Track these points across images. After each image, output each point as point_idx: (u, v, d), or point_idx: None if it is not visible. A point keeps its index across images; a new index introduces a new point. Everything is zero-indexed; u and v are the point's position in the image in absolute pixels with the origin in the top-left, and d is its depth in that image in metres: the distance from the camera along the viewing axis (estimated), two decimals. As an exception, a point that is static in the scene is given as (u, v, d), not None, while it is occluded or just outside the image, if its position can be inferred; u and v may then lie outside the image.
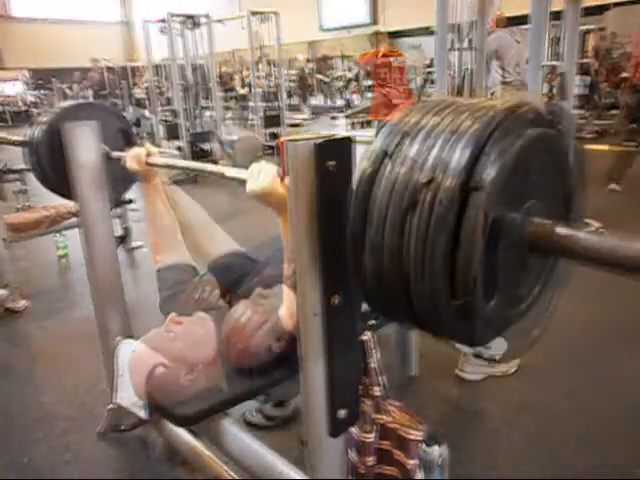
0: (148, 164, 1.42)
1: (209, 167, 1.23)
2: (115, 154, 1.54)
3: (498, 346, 1.90)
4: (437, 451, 1.06)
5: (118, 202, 1.70)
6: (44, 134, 1.56)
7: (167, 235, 1.51)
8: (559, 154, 0.66)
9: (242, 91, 11.89)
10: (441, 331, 0.66)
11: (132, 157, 1.42)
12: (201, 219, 1.57)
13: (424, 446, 1.07)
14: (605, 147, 4.70)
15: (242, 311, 1.20)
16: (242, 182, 1.01)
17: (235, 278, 1.41)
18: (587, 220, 3.46)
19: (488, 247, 0.57)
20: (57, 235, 2.93)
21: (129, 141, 1.70)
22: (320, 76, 12.89)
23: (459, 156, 0.57)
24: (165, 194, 1.52)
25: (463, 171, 0.56)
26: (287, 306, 1.09)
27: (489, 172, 0.56)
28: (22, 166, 3.85)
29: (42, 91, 11.96)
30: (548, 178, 0.65)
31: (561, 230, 0.59)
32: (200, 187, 5.16)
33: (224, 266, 1.45)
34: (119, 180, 1.69)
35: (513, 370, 1.90)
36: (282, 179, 0.95)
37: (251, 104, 10.45)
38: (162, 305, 1.44)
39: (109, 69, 12.90)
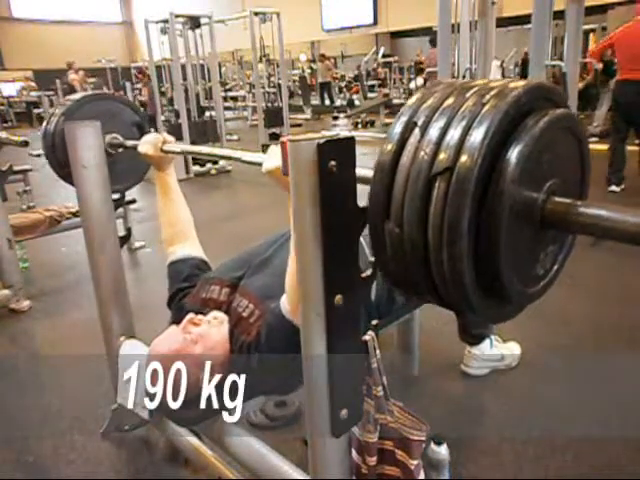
0: (163, 151, 1.41)
1: (226, 152, 1.22)
2: (130, 143, 1.54)
3: (514, 354, 1.93)
4: (446, 449, 1.06)
5: (121, 202, 1.70)
6: (60, 124, 1.57)
7: (180, 227, 1.50)
8: (577, 134, 0.67)
9: (243, 91, 11.91)
10: (462, 307, 0.66)
11: (147, 142, 1.41)
12: (187, 216, 1.55)
13: (432, 445, 1.07)
14: (605, 147, 4.71)
15: (168, 340, 1.19)
16: (258, 165, 1.04)
17: (181, 282, 1.45)
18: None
19: (511, 225, 0.58)
20: (18, 247, 2.86)
21: (143, 133, 1.69)
22: (320, 77, 12.89)
23: (486, 132, 0.58)
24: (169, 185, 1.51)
25: (490, 147, 0.57)
26: (290, 295, 1.08)
27: (515, 149, 0.57)
28: (26, 167, 3.88)
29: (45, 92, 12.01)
30: (567, 157, 0.67)
31: (585, 208, 0.60)
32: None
33: (176, 269, 1.48)
34: (129, 172, 1.70)
35: (516, 363, 1.92)
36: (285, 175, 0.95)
37: (252, 104, 10.50)
38: (171, 299, 1.45)
39: (112, 69, 12.92)
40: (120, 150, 1.59)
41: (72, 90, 10.24)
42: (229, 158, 1.19)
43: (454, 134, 0.60)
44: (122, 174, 1.69)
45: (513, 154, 0.57)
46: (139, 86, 9.59)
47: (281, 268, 1.29)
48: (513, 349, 1.95)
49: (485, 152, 0.57)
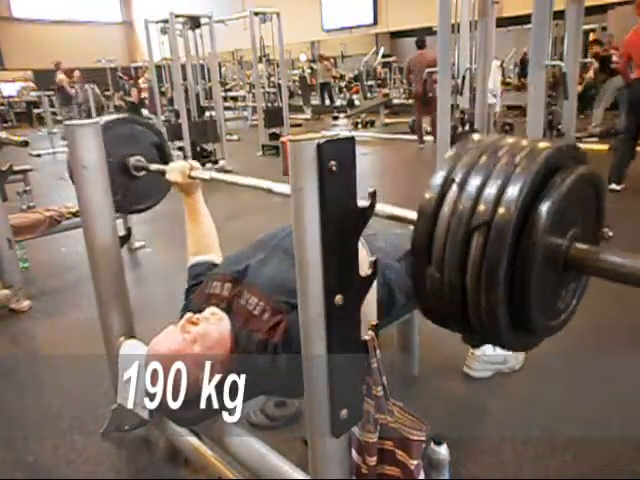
0: (191, 177, 1.46)
1: (256, 182, 1.24)
2: (154, 167, 1.61)
3: (518, 356, 1.92)
4: (446, 449, 1.06)
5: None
6: None
7: (206, 242, 1.55)
8: (597, 187, 0.76)
9: (243, 91, 11.91)
10: (493, 341, 0.76)
11: (175, 170, 1.47)
12: (212, 233, 1.60)
13: (432, 445, 1.07)
14: (605, 147, 4.71)
15: (167, 340, 1.19)
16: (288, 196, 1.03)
17: (191, 280, 1.48)
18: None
19: (541, 269, 0.67)
20: (18, 247, 2.88)
21: (163, 155, 1.76)
22: (320, 77, 12.90)
23: (520, 190, 0.65)
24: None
25: (524, 203, 0.65)
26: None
27: (546, 204, 0.66)
28: (26, 167, 3.88)
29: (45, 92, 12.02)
30: (586, 206, 0.76)
31: (603, 254, 0.69)
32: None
33: (192, 271, 1.52)
34: (151, 191, 1.76)
35: (519, 366, 1.91)
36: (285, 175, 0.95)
37: (252, 104, 10.50)
38: (185, 295, 1.47)
39: (112, 69, 12.92)
40: (142, 173, 1.65)
41: (61, 89, 10.24)
42: (258, 188, 1.19)
43: (490, 192, 0.67)
44: (143, 194, 1.75)
45: (544, 209, 0.66)
46: (126, 87, 9.63)
47: (286, 263, 1.29)
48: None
49: (519, 208, 0.65)
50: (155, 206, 1.83)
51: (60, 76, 11.49)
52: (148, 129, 1.76)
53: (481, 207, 0.67)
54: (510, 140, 0.73)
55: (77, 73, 11.68)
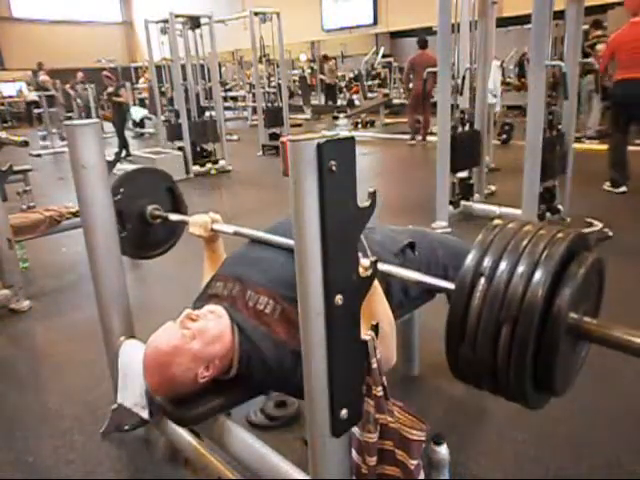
0: (213, 230, 1.53)
1: (281, 240, 1.28)
2: (174, 217, 1.70)
3: None
4: (446, 449, 1.06)
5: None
6: None
7: None
8: (600, 271, 0.88)
9: (243, 91, 11.90)
10: (518, 401, 0.86)
11: (197, 224, 1.54)
12: None
13: (432, 445, 1.07)
14: (605, 147, 4.72)
15: (166, 336, 1.18)
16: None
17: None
18: (590, 220, 3.46)
19: (562, 343, 0.78)
20: (18, 247, 2.88)
21: (177, 201, 1.83)
22: (322, 76, 12.91)
23: (543, 281, 0.76)
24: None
25: (546, 292, 0.75)
26: (385, 345, 1.07)
27: (566, 291, 0.77)
28: (26, 167, 3.88)
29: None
30: (592, 286, 0.87)
31: (609, 330, 0.81)
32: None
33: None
34: (165, 238, 1.85)
35: None
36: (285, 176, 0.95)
37: (252, 104, 10.50)
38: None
39: (112, 69, 12.91)
40: (159, 221, 1.72)
41: (45, 90, 10.20)
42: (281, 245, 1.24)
43: (516, 286, 0.77)
44: (159, 240, 1.83)
45: (564, 298, 0.76)
46: (111, 89, 9.53)
47: (288, 257, 1.29)
48: None
49: (542, 302, 0.75)
50: (170, 249, 1.89)
51: (42, 77, 11.45)
52: (158, 175, 1.83)
53: (508, 300, 0.76)
54: (531, 229, 0.84)
55: (80, 75, 11.66)
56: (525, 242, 0.80)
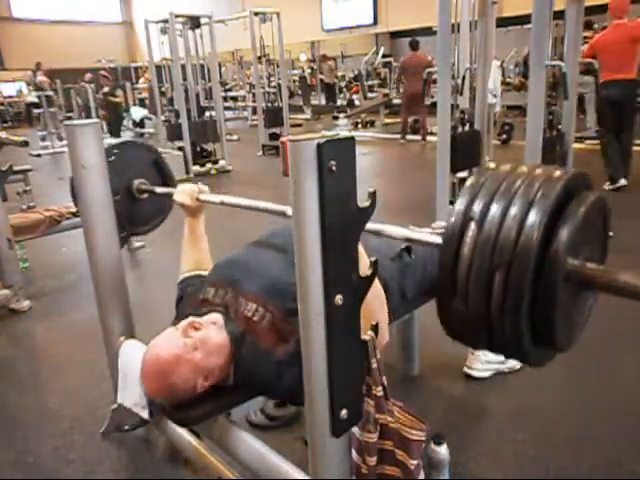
0: (199, 200, 1.48)
1: (269, 206, 1.23)
2: (160, 189, 1.64)
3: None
4: (446, 449, 1.06)
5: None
6: None
7: (199, 265, 1.53)
8: (604, 211, 0.81)
9: (243, 91, 11.90)
10: (517, 357, 0.81)
11: (183, 193, 1.49)
12: (207, 256, 1.59)
13: (432, 445, 1.07)
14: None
15: (167, 343, 1.17)
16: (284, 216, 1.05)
17: (183, 289, 1.47)
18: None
19: (561, 290, 0.71)
20: (18, 247, 2.88)
21: (165, 176, 1.78)
22: (321, 76, 12.91)
23: (538, 222, 0.69)
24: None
25: (542, 235, 0.68)
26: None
27: (564, 232, 0.69)
28: (26, 167, 3.88)
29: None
30: (595, 228, 0.80)
31: (615, 274, 0.72)
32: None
33: (182, 284, 1.50)
34: (153, 213, 1.79)
35: (519, 366, 1.90)
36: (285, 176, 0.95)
37: (252, 104, 10.50)
38: (175, 307, 1.46)
39: (111, 69, 12.90)
40: (146, 195, 1.67)
41: (43, 91, 10.19)
42: (272, 212, 1.19)
43: (508, 229, 0.70)
44: (147, 215, 1.78)
45: (563, 239, 0.69)
46: (106, 90, 9.51)
47: (281, 265, 1.29)
48: None
49: (537, 245, 0.68)
50: (158, 227, 1.85)
51: (40, 77, 11.43)
52: (143, 149, 1.78)
53: (501, 245, 0.70)
54: (525, 169, 0.76)
55: (89, 75, 11.67)
56: (519, 183, 0.73)
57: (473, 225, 0.72)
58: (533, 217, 0.69)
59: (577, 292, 0.78)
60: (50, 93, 10.09)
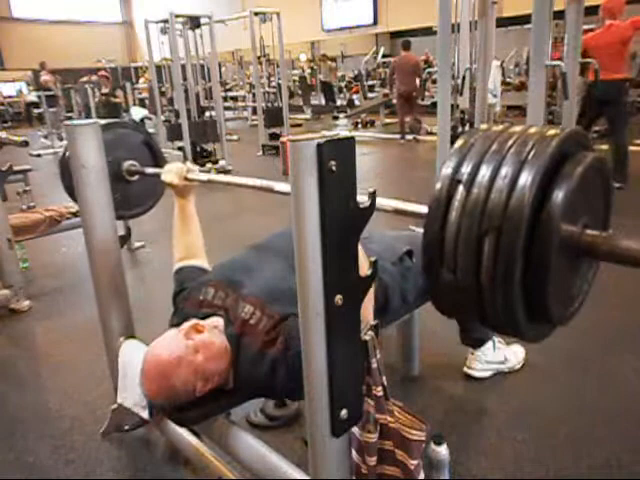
0: (187, 179, 1.44)
1: (256, 182, 1.22)
2: (150, 170, 1.61)
3: (517, 356, 1.92)
4: (446, 449, 1.06)
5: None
6: None
7: (192, 250, 1.52)
8: (604, 173, 0.75)
9: (243, 91, 11.89)
10: (510, 332, 0.75)
11: (171, 171, 1.45)
12: (200, 240, 1.57)
13: (432, 445, 1.07)
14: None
15: (169, 345, 1.16)
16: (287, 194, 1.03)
17: (180, 285, 1.44)
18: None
19: (556, 258, 0.65)
20: (18, 247, 2.88)
21: (156, 157, 1.76)
22: (320, 76, 12.90)
23: (530, 184, 0.63)
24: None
25: (534, 197, 0.63)
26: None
27: (559, 195, 0.63)
28: (25, 167, 3.88)
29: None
30: (595, 193, 0.75)
31: (616, 240, 0.68)
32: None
33: (178, 276, 1.48)
34: (146, 195, 1.77)
35: (519, 366, 1.91)
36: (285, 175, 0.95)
37: (252, 104, 10.49)
38: (173, 301, 1.45)
39: (111, 69, 12.90)
40: (136, 177, 1.65)
41: (47, 90, 10.20)
42: (258, 188, 1.17)
43: (498, 192, 0.64)
44: (139, 198, 1.76)
45: (557, 201, 0.63)
46: (106, 90, 9.48)
47: (282, 269, 1.29)
48: (517, 352, 1.94)
49: (529, 208, 0.62)
50: (151, 209, 1.82)
51: (45, 77, 11.42)
52: (132, 129, 1.75)
53: (490, 208, 0.64)
54: (518, 130, 0.70)
55: (95, 77, 11.68)
56: (511, 142, 0.67)
57: (461, 188, 0.67)
58: (525, 177, 0.63)
59: (575, 261, 0.72)
60: (55, 92, 10.10)
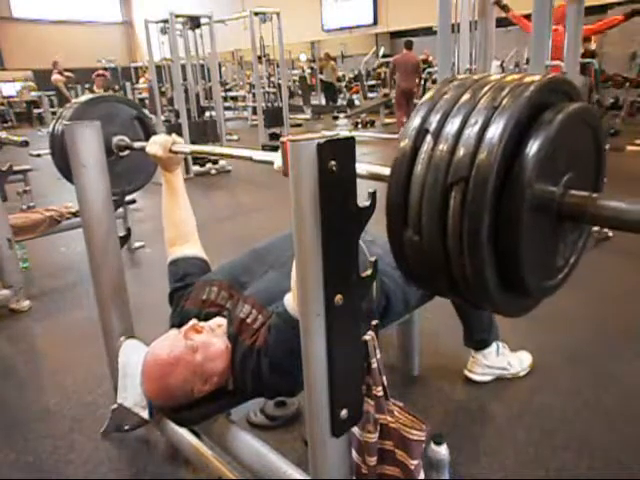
0: (172, 152, 1.40)
1: (237, 152, 1.21)
2: (137, 144, 1.56)
3: (523, 363, 1.88)
4: (446, 449, 1.06)
5: (121, 202, 1.71)
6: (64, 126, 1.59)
7: (183, 229, 1.50)
8: (593, 126, 0.67)
9: (243, 91, 11.89)
10: (483, 303, 0.68)
11: (156, 143, 1.40)
12: (191, 218, 1.55)
13: (432, 445, 1.07)
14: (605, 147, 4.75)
15: (169, 345, 1.16)
16: (269, 164, 1.04)
17: (177, 281, 1.44)
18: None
19: (530, 221, 0.58)
20: (18, 247, 2.88)
21: (145, 126, 1.71)
22: (322, 76, 12.90)
23: (501, 132, 0.56)
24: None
25: (506, 146, 0.56)
26: (295, 292, 1.07)
27: (533, 147, 0.56)
28: (25, 167, 3.88)
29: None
30: (582, 150, 0.67)
31: (603, 201, 0.60)
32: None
33: (174, 268, 1.48)
34: (138, 172, 1.73)
35: (524, 373, 1.87)
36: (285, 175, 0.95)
37: (252, 104, 10.50)
38: (170, 297, 1.44)
39: (112, 69, 12.91)
40: (127, 152, 1.61)
41: (57, 90, 10.21)
42: (239, 158, 1.18)
43: (467, 140, 0.58)
44: (130, 175, 1.72)
45: (531, 152, 0.56)
46: (100, 91, 9.49)
47: (283, 273, 1.29)
48: (523, 359, 1.88)
49: (501, 154, 0.56)
50: (144, 187, 1.79)
51: (55, 76, 11.44)
52: (124, 104, 1.71)
53: (458, 158, 0.57)
54: (493, 77, 0.64)
55: (105, 76, 11.71)
56: (486, 89, 0.61)
57: (429, 138, 0.61)
58: (497, 125, 0.56)
59: (557, 225, 0.65)
60: (63, 91, 10.09)
